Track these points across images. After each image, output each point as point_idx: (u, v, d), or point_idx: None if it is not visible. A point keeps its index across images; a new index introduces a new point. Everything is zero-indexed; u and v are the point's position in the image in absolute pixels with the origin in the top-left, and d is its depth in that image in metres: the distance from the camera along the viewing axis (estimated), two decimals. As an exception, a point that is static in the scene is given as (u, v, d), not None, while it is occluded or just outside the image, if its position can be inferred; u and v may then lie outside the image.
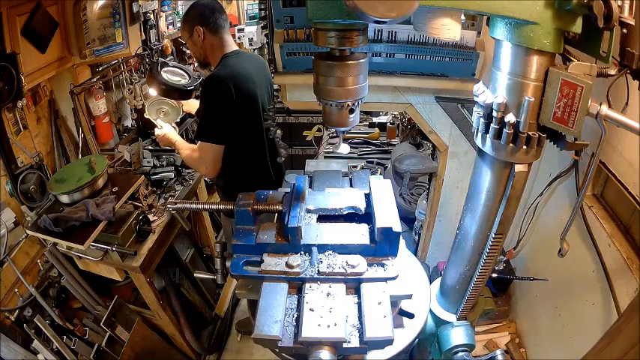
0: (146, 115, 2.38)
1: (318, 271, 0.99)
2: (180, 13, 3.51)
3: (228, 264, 1.14)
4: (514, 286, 2.29)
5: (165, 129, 2.20)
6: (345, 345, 0.88)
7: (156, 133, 2.23)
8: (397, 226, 1.00)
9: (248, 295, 1.06)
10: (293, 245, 1.03)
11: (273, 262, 1.02)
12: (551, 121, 0.84)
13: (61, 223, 1.85)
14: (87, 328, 2.16)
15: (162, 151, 2.83)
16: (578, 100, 0.78)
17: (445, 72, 1.65)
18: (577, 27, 0.78)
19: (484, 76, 1.62)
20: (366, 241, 1.03)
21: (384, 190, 1.15)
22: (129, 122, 3.18)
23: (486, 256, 1.11)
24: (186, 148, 2.06)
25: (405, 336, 1.10)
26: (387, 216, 1.03)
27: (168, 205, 1.22)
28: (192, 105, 2.45)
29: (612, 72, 0.85)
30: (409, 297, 1.03)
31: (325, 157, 3.25)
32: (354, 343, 0.89)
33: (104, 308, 2.23)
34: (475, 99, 0.94)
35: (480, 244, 1.11)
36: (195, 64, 3.64)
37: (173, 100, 2.40)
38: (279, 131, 2.14)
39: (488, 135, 0.91)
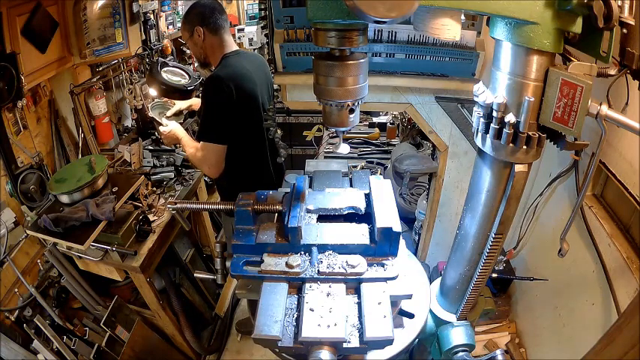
0: (150, 114, 2.37)
1: (318, 271, 0.99)
2: (181, 13, 3.51)
3: (228, 264, 1.13)
4: (514, 286, 2.30)
5: (171, 126, 2.18)
6: (345, 345, 0.88)
7: (161, 130, 2.20)
8: (397, 226, 1.00)
9: (248, 295, 1.06)
10: (293, 245, 1.03)
11: (273, 262, 1.02)
12: (551, 121, 0.84)
13: (61, 223, 1.86)
14: (87, 328, 2.16)
15: (163, 151, 2.83)
16: (578, 100, 0.78)
17: (445, 72, 1.65)
18: (577, 27, 0.78)
19: (484, 76, 1.62)
20: (366, 241, 1.03)
21: (384, 190, 1.15)
22: (129, 122, 3.18)
23: (486, 256, 1.11)
24: (191, 147, 2.05)
25: (405, 336, 1.10)
26: (387, 216, 1.03)
27: (169, 205, 1.22)
28: (197, 102, 2.44)
29: (612, 72, 0.84)
30: (409, 297, 1.03)
31: (325, 157, 3.25)
32: (354, 343, 0.89)
33: (104, 308, 2.23)
34: (475, 99, 0.94)
35: (480, 244, 1.11)
36: (196, 64, 3.66)
37: (175, 102, 2.39)
38: (279, 131, 2.14)
39: (488, 135, 0.91)
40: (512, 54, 0.84)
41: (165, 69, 2.35)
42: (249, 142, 2.10)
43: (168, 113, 2.30)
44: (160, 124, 2.23)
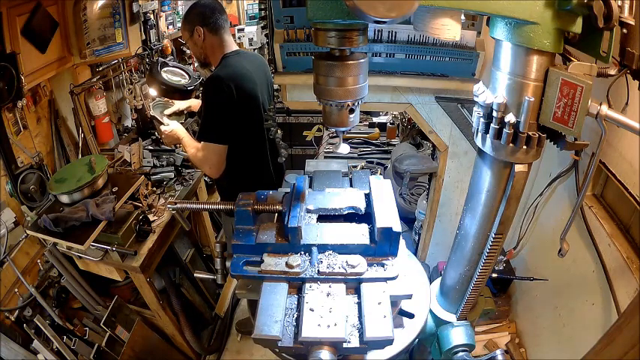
0: (151, 113, 2.37)
1: (318, 271, 0.99)
2: (181, 13, 3.51)
3: (228, 264, 1.13)
4: (514, 286, 2.30)
5: (173, 125, 2.17)
6: (345, 345, 0.88)
7: (162, 130, 2.18)
8: (397, 226, 1.00)
9: (248, 295, 1.06)
10: (293, 245, 1.03)
11: (273, 262, 1.02)
12: (551, 121, 0.84)
13: (61, 223, 1.86)
14: (87, 328, 2.16)
15: (162, 151, 2.83)
16: (578, 100, 0.78)
17: (445, 72, 1.65)
18: (577, 27, 0.78)
19: (484, 76, 1.62)
20: (366, 241, 1.03)
21: (384, 190, 1.15)
22: (129, 122, 3.18)
23: (486, 256, 1.11)
24: (192, 147, 2.05)
25: (405, 336, 1.10)
26: (387, 216, 1.03)
27: (169, 205, 1.22)
28: (196, 103, 2.43)
29: (612, 72, 0.84)
30: (409, 297, 1.03)
31: (325, 157, 3.25)
32: (354, 343, 0.89)
33: (104, 308, 2.23)
34: (475, 99, 0.94)
35: (480, 244, 1.11)
36: (196, 64, 3.66)
37: (175, 102, 2.39)
38: (279, 131, 2.14)
39: (488, 135, 0.91)
40: (512, 54, 0.84)
41: (165, 69, 2.35)
42: (249, 142, 2.10)
43: (167, 112, 2.29)
44: (161, 124, 2.23)
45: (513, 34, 0.81)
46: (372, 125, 3.73)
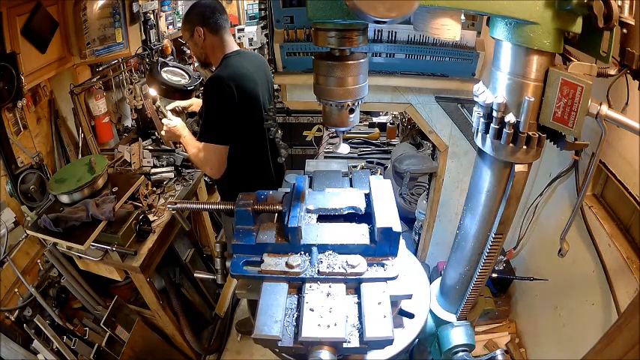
0: (157, 103, 2.34)
1: (318, 271, 0.99)
2: (181, 13, 3.52)
3: (228, 264, 1.13)
4: (514, 286, 2.30)
5: (176, 121, 2.13)
6: (345, 345, 0.88)
7: (165, 123, 2.14)
8: (397, 226, 1.00)
9: (248, 295, 1.06)
10: (293, 245, 1.03)
11: (273, 262, 1.02)
12: (551, 121, 0.84)
13: (61, 223, 1.86)
14: (87, 328, 2.16)
15: (163, 151, 2.83)
16: (578, 100, 0.78)
17: (445, 72, 1.65)
18: (577, 27, 0.78)
19: (484, 76, 1.62)
20: (366, 241, 1.03)
21: (384, 190, 1.15)
22: (129, 122, 3.18)
23: (486, 256, 1.11)
24: (193, 147, 2.03)
25: (405, 336, 1.10)
26: (387, 216, 1.03)
27: (169, 205, 1.22)
28: (197, 102, 2.43)
29: (612, 72, 0.84)
30: (409, 297, 1.03)
31: (325, 157, 3.25)
32: (354, 343, 0.89)
33: (104, 308, 2.23)
34: (475, 99, 0.94)
35: (480, 244, 1.11)
36: (196, 64, 3.66)
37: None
38: (279, 131, 2.14)
39: (488, 135, 0.91)
40: (512, 54, 0.84)
41: (165, 69, 2.34)
42: (249, 143, 2.10)
43: (169, 107, 2.26)
44: (165, 117, 2.20)
45: (513, 34, 0.81)
46: (372, 125, 3.74)
